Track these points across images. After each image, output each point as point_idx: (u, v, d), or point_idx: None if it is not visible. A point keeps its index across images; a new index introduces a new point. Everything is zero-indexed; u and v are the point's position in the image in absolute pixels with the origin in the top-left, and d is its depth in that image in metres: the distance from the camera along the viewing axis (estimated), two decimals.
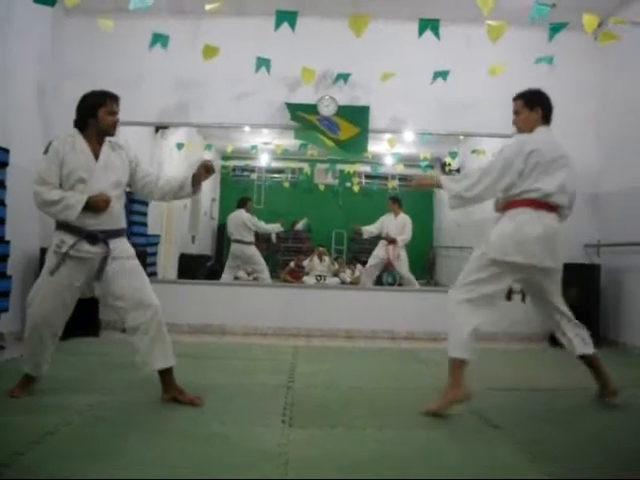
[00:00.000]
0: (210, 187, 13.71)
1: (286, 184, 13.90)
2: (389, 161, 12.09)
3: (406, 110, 7.77)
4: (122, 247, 4.16)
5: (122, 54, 7.63)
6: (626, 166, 7.22)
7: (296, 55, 7.47)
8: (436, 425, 3.74)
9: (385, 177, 13.34)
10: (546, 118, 4.25)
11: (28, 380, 4.17)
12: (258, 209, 13.76)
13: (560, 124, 7.67)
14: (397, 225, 10.14)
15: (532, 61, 6.94)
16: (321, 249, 11.86)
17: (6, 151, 6.23)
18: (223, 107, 7.81)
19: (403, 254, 10.05)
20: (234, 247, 10.19)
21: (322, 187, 13.40)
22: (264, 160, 13.03)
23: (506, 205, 4.10)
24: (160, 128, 9.17)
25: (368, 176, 13.29)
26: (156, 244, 9.42)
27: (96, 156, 4.06)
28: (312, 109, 7.74)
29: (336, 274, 11.30)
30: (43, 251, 6.93)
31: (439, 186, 4.20)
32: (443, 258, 12.34)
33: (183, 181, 4.21)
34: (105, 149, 4.12)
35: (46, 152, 4.02)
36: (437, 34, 6.37)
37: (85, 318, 6.79)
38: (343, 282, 10.89)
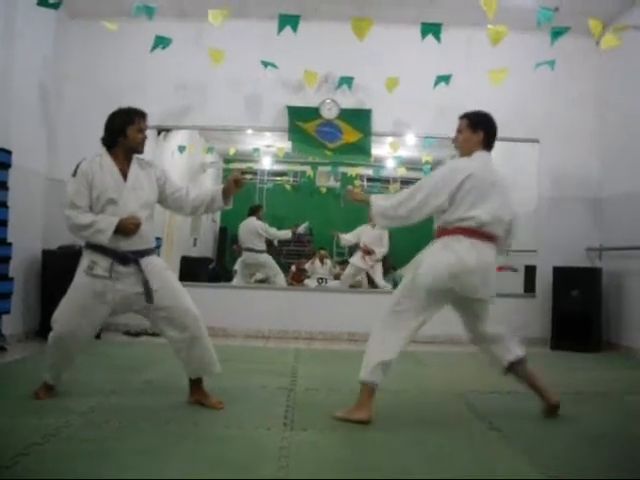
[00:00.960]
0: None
1: (288, 187, 13.90)
2: (391, 164, 12.10)
3: (408, 113, 7.78)
4: (154, 262, 4.13)
5: (125, 57, 7.65)
6: (628, 170, 7.22)
7: (299, 58, 7.50)
8: (438, 427, 3.75)
9: (387, 180, 13.33)
10: (487, 143, 4.06)
11: (49, 386, 4.18)
12: None
13: (561, 129, 7.77)
14: (374, 236, 10.27)
15: (533, 66, 6.95)
16: (322, 252, 11.85)
17: (8, 153, 6.24)
18: (225, 110, 7.82)
19: (378, 266, 10.24)
20: (246, 255, 10.21)
21: (324, 190, 13.40)
22: (266, 163, 13.03)
23: (439, 232, 3.96)
24: (162, 130, 9.17)
25: (370, 179, 13.28)
26: (158, 247, 9.41)
27: (124, 175, 4.03)
28: (314, 112, 7.75)
29: (337, 277, 11.28)
30: (45, 253, 6.96)
31: (367, 204, 4.04)
32: None
33: (214, 194, 4.19)
34: (134, 168, 4.08)
35: (74, 175, 4.00)
36: (438, 38, 6.39)
37: None
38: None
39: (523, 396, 4.54)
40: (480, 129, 4.04)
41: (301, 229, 13.90)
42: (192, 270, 10.30)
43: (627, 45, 6.51)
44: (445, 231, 3.90)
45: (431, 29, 6.43)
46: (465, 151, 4.06)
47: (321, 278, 11.11)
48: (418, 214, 3.89)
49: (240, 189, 4.19)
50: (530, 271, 8.03)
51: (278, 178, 13.99)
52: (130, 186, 4.02)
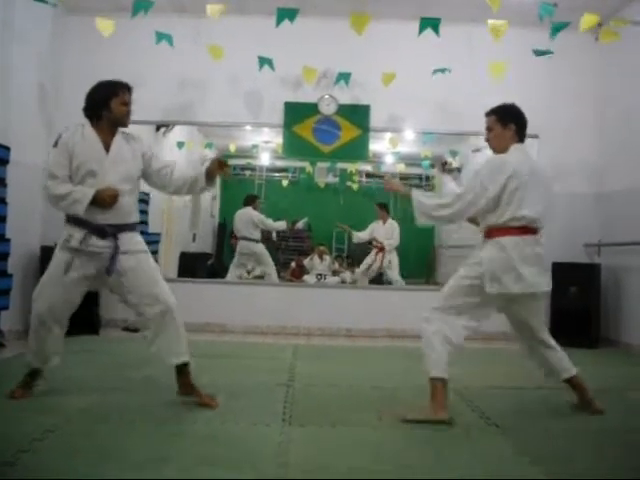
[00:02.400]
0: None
1: (286, 183, 13.88)
2: (390, 160, 12.08)
3: (407, 109, 7.77)
4: (133, 241, 4.07)
5: (123, 53, 7.62)
6: (627, 166, 7.22)
7: (297, 54, 7.49)
8: (437, 424, 3.74)
9: (386, 176, 13.32)
10: (520, 135, 4.05)
11: (30, 380, 4.12)
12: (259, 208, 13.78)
13: (561, 124, 7.76)
14: (385, 231, 10.34)
15: (532, 61, 6.94)
16: (321, 248, 11.85)
17: (7, 149, 6.23)
18: (224, 106, 7.82)
19: (395, 260, 10.24)
20: (241, 245, 10.23)
21: (322, 186, 13.39)
22: (265, 159, 13.02)
23: (489, 232, 3.94)
24: (161, 127, 9.16)
25: (369, 175, 13.27)
26: (156, 242, 9.41)
27: (107, 148, 4.00)
28: (312, 108, 7.74)
29: (336, 273, 11.28)
30: (44, 249, 6.96)
31: (408, 197, 4.00)
32: (445, 258, 12.31)
33: (197, 175, 4.15)
34: (117, 140, 4.05)
35: (55, 145, 3.97)
36: (437, 32, 6.38)
37: (85, 316, 6.80)
38: (343, 281, 10.87)
39: (523, 392, 4.56)
40: (511, 122, 4.02)
41: (300, 225, 13.90)
42: (191, 266, 10.31)
43: (626, 40, 6.51)
44: (496, 231, 3.88)
45: (429, 23, 6.42)
46: (499, 148, 4.03)
47: (320, 274, 11.11)
48: (460, 217, 3.93)
49: (223, 171, 4.14)
50: None
51: (277, 174, 13.97)
52: (112, 159, 3.99)
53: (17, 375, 4.19)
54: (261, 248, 10.21)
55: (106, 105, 4.02)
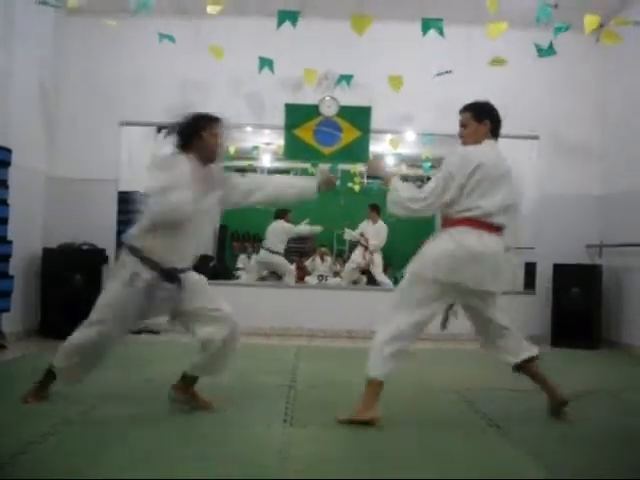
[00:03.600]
0: None
1: None
2: (391, 161, 12.09)
3: (408, 110, 7.76)
4: (192, 278, 4.02)
5: (124, 55, 7.65)
6: (629, 167, 7.21)
7: (298, 56, 7.48)
8: (438, 424, 3.75)
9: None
10: (494, 132, 4.01)
11: (45, 386, 4.03)
12: (260, 210, 13.78)
13: (561, 126, 7.77)
14: (373, 232, 10.62)
15: (533, 62, 6.94)
16: (323, 249, 11.87)
17: (8, 151, 6.23)
18: (225, 107, 7.68)
19: (378, 259, 10.51)
20: (262, 254, 10.54)
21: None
22: (266, 160, 13.03)
23: (444, 221, 3.90)
24: (162, 128, 9.16)
25: (370, 176, 13.27)
26: None
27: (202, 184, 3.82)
28: (313, 110, 7.74)
29: (338, 274, 11.29)
30: (45, 251, 6.96)
31: (387, 183, 3.99)
32: None
33: (307, 185, 4.22)
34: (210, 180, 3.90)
35: (162, 165, 3.77)
36: (441, 33, 6.39)
37: (82, 318, 6.80)
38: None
39: (522, 393, 4.55)
40: (485, 118, 3.98)
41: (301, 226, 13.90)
42: (193, 268, 10.29)
43: (627, 41, 6.51)
44: (451, 221, 3.82)
45: (432, 24, 6.43)
46: (471, 143, 3.97)
47: (321, 275, 11.12)
48: (432, 209, 3.86)
49: (330, 188, 4.20)
50: (530, 268, 8.03)
51: (277, 175, 13.98)
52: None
53: (18, 376, 4.19)
54: (279, 259, 10.44)
55: (198, 136, 3.87)
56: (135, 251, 3.80)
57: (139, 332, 7.19)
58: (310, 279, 10.92)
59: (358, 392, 3.84)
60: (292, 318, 7.72)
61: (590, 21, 6.13)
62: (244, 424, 3.62)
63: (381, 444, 3.36)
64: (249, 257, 12.38)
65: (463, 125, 4.05)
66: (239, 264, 12.26)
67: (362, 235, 10.75)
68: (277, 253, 10.39)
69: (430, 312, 3.82)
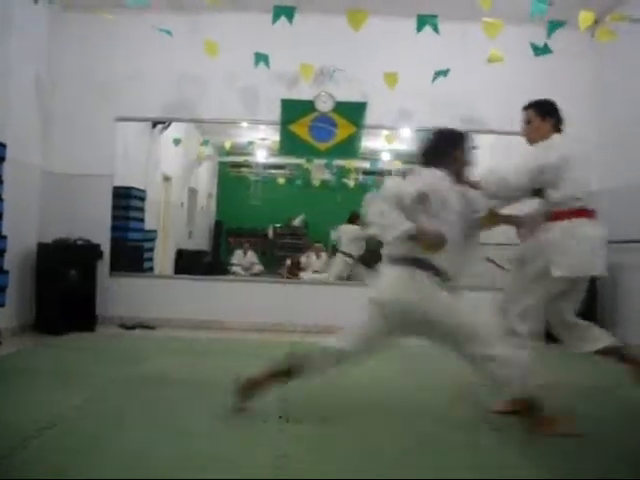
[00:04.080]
0: (207, 183, 13.73)
1: (283, 180, 13.90)
2: (386, 157, 12.10)
3: (404, 106, 7.75)
4: None
5: (120, 49, 7.63)
6: (625, 163, 7.22)
7: (294, 51, 7.44)
8: (436, 425, 3.74)
9: (382, 173, 13.34)
10: (557, 127, 4.15)
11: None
12: (255, 205, 13.81)
13: None
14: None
15: (529, 59, 6.93)
16: (318, 245, 11.86)
17: (3, 146, 6.21)
18: (222, 102, 7.80)
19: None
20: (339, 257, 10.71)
21: (319, 183, 13.41)
22: (261, 156, 13.03)
23: (552, 216, 3.96)
24: (157, 123, 9.16)
25: (365, 172, 13.29)
26: (153, 239, 9.42)
27: None
28: (309, 105, 7.72)
29: None
30: (40, 246, 6.95)
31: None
32: None
33: None
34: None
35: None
36: (436, 30, 6.38)
37: (81, 313, 6.81)
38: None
39: None
40: (549, 116, 4.13)
41: (296, 222, 13.93)
42: (187, 263, 10.31)
43: (622, 37, 6.52)
44: (556, 215, 3.92)
45: (427, 21, 6.42)
46: (536, 140, 4.12)
47: (316, 271, 11.12)
48: (525, 189, 3.95)
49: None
50: None
51: (273, 171, 13.99)
52: None
53: (13, 372, 4.18)
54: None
55: (452, 155, 3.83)
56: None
57: (133, 327, 7.21)
58: (304, 275, 10.92)
59: (353, 389, 3.86)
60: (286, 314, 7.70)
61: (585, 17, 6.13)
62: (239, 420, 3.62)
63: (379, 443, 3.35)
64: (245, 253, 12.38)
65: (528, 122, 4.20)
66: (234, 260, 12.25)
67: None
68: (350, 256, 10.54)
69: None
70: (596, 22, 6.71)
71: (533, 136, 4.14)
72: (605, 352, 4.11)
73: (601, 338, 4.12)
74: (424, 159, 3.80)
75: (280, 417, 3.71)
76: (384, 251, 3.68)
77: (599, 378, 5.18)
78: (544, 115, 4.13)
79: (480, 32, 6.44)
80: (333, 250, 12.22)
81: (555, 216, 3.92)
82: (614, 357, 4.13)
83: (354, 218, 10.48)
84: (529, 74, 7.62)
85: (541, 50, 6.71)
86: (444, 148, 3.81)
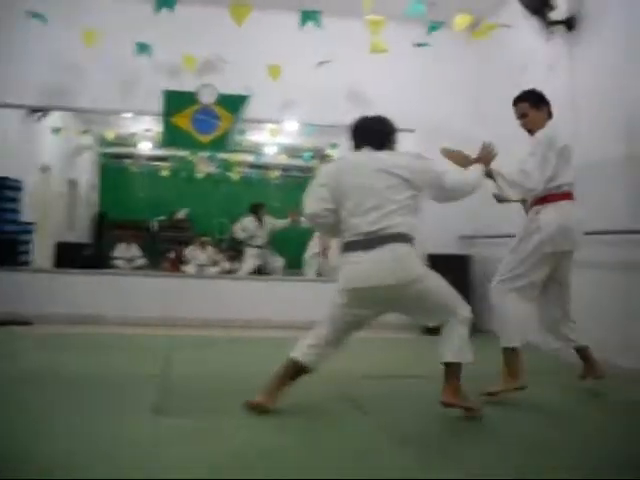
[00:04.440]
0: (89, 174, 13.38)
1: (167, 172, 13.73)
2: (271, 151, 12.13)
3: (287, 100, 7.79)
4: None
5: None
6: (499, 160, 7.47)
7: (177, 42, 7.35)
8: (310, 413, 3.80)
9: (267, 167, 13.39)
10: (550, 114, 4.40)
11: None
12: (138, 198, 13.57)
13: (437, 119, 7.99)
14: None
15: (410, 57, 7.10)
16: (204, 239, 11.75)
17: None
18: (101, 92, 7.61)
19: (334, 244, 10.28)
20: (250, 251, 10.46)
21: (203, 176, 13.31)
22: (145, 147, 12.81)
23: (543, 199, 4.24)
24: (36, 111, 8.84)
25: (250, 165, 13.29)
26: (30, 232, 9.10)
27: None
28: (191, 97, 7.64)
29: (217, 264, 11.23)
30: None
31: (488, 175, 4.21)
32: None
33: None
34: None
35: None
36: (319, 25, 6.46)
37: None
38: (223, 272, 10.83)
39: (394, 381, 4.69)
40: (542, 104, 4.38)
41: (180, 215, 13.77)
42: (68, 256, 10.01)
43: (497, 43, 6.81)
44: (551, 196, 4.22)
45: (310, 16, 6.49)
46: (535, 129, 4.33)
47: (201, 264, 11.02)
48: (540, 186, 4.16)
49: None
50: None
51: (157, 163, 13.79)
52: None
53: None
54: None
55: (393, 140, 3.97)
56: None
57: (7, 323, 6.95)
58: (188, 268, 10.80)
59: (231, 381, 3.86)
60: (169, 307, 7.61)
61: (461, 20, 6.38)
62: (113, 415, 3.57)
63: (254, 433, 3.37)
64: (127, 246, 12.13)
65: (523, 115, 4.40)
66: (116, 253, 11.99)
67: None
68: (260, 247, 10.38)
69: (541, 277, 4.32)
70: (474, 26, 6.95)
71: (532, 127, 4.35)
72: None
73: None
74: (378, 142, 3.90)
75: (155, 411, 3.66)
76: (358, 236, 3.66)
77: (476, 369, 5.35)
78: (538, 105, 4.37)
79: (363, 29, 6.56)
80: (232, 244, 12.14)
81: (549, 198, 4.22)
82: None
83: (257, 209, 10.38)
84: (410, 72, 7.82)
85: (420, 44, 6.93)
86: (392, 132, 3.99)
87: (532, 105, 4.37)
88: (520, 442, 3.36)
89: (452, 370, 3.70)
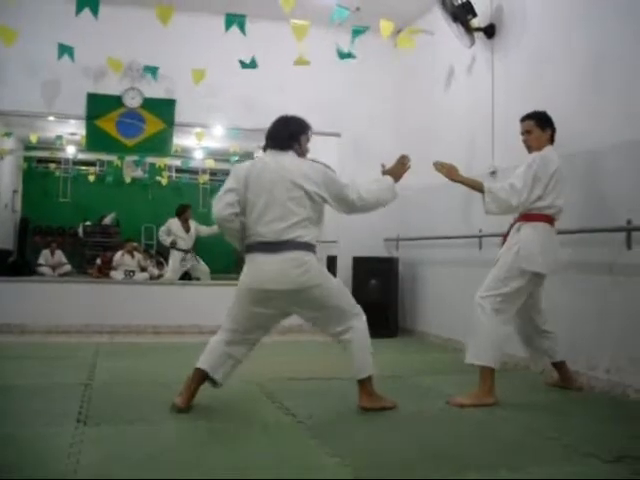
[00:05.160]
0: (11, 178, 13.06)
1: (93, 176, 13.52)
2: (199, 155, 12.05)
3: (214, 104, 7.74)
4: None
5: None
6: (421, 164, 7.56)
7: (102, 44, 7.23)
8: (234, 415, 3.81)
9: (196, 171, 13.30)
10: (552, 139, 4.52)
11: None
12: (64, 203, 13.33)
13: (361, 123, 8.07)
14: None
15: (336, 61, 7.15)
16: (134, 244, 11.58)
17: None
18: (21, 94, 7.41)
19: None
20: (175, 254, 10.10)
21: (130, 180, 13.15)
22: (70, 151, 12.57)
23: (526, 216, 4.34)
24: None
25: (178, 170, 13.18)
26: None
27: None
28: (116, 101, 7.54)
29: (145, 269, 11.09)
30: None
31: (477, 188, 4.36)
32: None
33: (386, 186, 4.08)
34: None
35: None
36: (243, 30, 6.46)
37: None
38: (152, 277, 10.71)
39: (323, 383, 4.72)
40: (548, 127, 4.48)
41: (108, 220, 13.57)
42: None
43: (420, 49, 6.93)
44: (532, 216, 4.32)
45: (235, 20, 6.49)
46: (535, 148, 4.43)
47: (131, 271, 10.85)
48: (524, 205, 4.26)
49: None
50: (331, 261, 8.27)
51: (83, 167, 13.56)
52: None
53: None
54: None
55: (297, 140, 3.96)
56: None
57: None
58: (116, 274, 10.64)
59: (158, 388, 3.84)
60: (95, 314, 7.47)
61: (385, 26, 6.48)
62: (34, 425, 3.49)
63: (178, 439, 3.36)
64: (52, 252, 11.88)
65: (527, 132, 4.51)
66: (41, 260, 11.74)
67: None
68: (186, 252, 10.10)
69: (522, 300, 4.35)
70: (398, 32, 7.05)
71: (533, 145, 4.46)
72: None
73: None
74: (278, 143, 3.94)
75: (78, 420, 3.59)
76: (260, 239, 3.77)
77: (404, 367, 5.42)
78: (544, 126, 4.48)
79: (289, 33, 6.58)
80: (160, 249, 11.99)
81: (532, 217, 4.32)
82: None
83: (182, 211, 10.23)
84: (335, 77, 7.89)
85: (346, 55, 6.97)
86: (297, 133, 3.98)
87: (538, 124, 4.49)
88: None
89: (362, 381, 3.92)
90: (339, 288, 3.91)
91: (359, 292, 7.54)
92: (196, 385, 3.88)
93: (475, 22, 6.15)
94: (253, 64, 7.21)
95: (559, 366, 4.62)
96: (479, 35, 6.21)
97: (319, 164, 3.90)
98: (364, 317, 3.93)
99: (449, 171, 4.47)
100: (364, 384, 3.90)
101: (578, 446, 3.27)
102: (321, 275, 3.82)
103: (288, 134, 3.94)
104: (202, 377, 3.88)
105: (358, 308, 3.94)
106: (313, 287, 3.72)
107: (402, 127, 8.14)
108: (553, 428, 3.62)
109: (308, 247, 3.74)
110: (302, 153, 3.98)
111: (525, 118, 4.58)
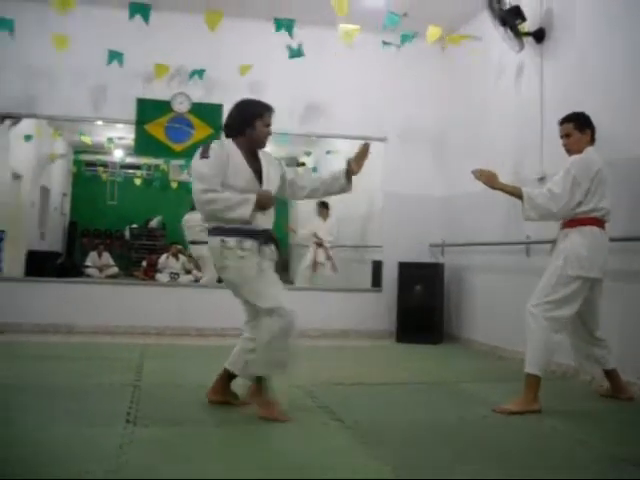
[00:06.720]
0: (61, 182, 13.28)
1: (140, 180, 13.68)
2: None
3: None
4: None
5: None
6: (468, 171, 7.51)
7: (150, 50, 7.32)
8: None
9: None
10: (593, 139, 4.43)
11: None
12: (111, 206, 13.51)
13: (407, 129, 8.05)
14: (326, 229, 10.11)
15: (383, 67, 7.15)
16: (178, 247, 11.70)
17: None
18: (74, 99, 7.55)
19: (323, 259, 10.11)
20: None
21: (177, 184, 13.26)
22: (118, 155, 12.74)
23: (573, 221, 4.28)
24: (6, 118, 8.75)
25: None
26: (0, 240, 9.01)
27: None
28: (165, 106, 7.62)
29: (190, 272, 11.18)
30: None
31: (516, 195, 4.31)
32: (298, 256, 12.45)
33: (337, 173, 4.08)
34: (264, 163, 3.98)
35: (207, 156, 3.86)
36: (291, 34, 6.50)
37: None
38: (196, 280, 10.78)
39: (368, 388, 4.70)
40: (587, 128, 4.41)
41: (153, 223, 13.71)
42: (39, 265, 9.92)
43: (466, 54, 6.89)
44: (580, 220, 4.25)
45: (284, 24, 6.54)
46: (575, 151, 4.37)
47: (175, 273, 10.96)
48: (565, 210, 4.22)
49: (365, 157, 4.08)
50: (377, 266, 8.27)
51: (131, 171, 13.73)
52: (264, 180, 3.93)
53: None
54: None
55: (251, 124, 3.91)
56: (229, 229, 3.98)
57: None
58: (161, 277, 10.75)
59: (204, 390, 3.86)
60: (140, 316, 7.54)
61: (432, 32, 6.47)
62: (83, 425, 3.53)
63: (226, 441, 3.39)
64: (99, 254, 12.07)
65: (566, 135, 4.44)
66: (88, 261, 11.92)
67: (315, 234, 10.32)
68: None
69: (576, 306, 4.24)
70: (443, 37, 7.01)
71: (573, 148, 4.40)
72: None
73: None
74: (228, 131, 4.02)
75: (127, 421, 3.63)
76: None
77: (448, 373, 5.38)
78: (583, 128, 4.40)
79: (336, 39, 6.61)
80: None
81: (578, 222, 4.26)
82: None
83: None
84: (382, 82, 7.89)
85: (388, 43, 6.97)
86: (251, 118, 3.92)
87: (577, 127, 4.41)
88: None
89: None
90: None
91: (404, 297, 7.54)
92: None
93: (524, 26, 6.08)
94: (299, 52, 7.19)
95: (611, 374, 4.52)
96: (528, 39, 6.14)
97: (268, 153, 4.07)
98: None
99: (488, 178, 4.39)
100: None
101: (626, 457, 3.21)
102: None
103: (240, 120, 3.94)
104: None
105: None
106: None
107: (448, 132, 8.09)
108: (599, 438, 3.57)
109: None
110: (258, 138, 3.95)
111: (563, 121, 4.50)
